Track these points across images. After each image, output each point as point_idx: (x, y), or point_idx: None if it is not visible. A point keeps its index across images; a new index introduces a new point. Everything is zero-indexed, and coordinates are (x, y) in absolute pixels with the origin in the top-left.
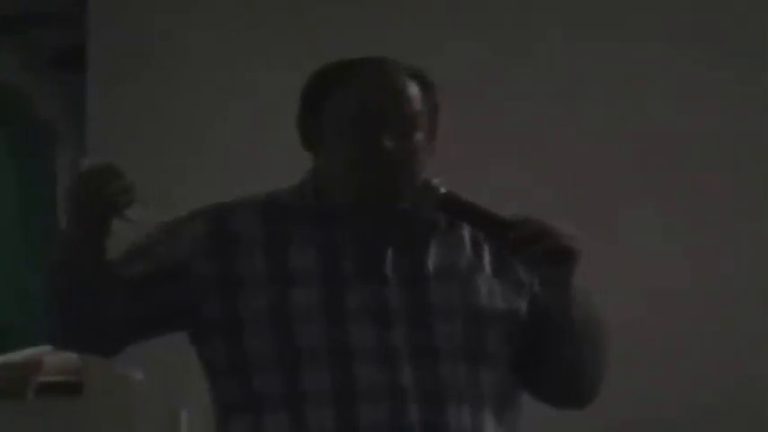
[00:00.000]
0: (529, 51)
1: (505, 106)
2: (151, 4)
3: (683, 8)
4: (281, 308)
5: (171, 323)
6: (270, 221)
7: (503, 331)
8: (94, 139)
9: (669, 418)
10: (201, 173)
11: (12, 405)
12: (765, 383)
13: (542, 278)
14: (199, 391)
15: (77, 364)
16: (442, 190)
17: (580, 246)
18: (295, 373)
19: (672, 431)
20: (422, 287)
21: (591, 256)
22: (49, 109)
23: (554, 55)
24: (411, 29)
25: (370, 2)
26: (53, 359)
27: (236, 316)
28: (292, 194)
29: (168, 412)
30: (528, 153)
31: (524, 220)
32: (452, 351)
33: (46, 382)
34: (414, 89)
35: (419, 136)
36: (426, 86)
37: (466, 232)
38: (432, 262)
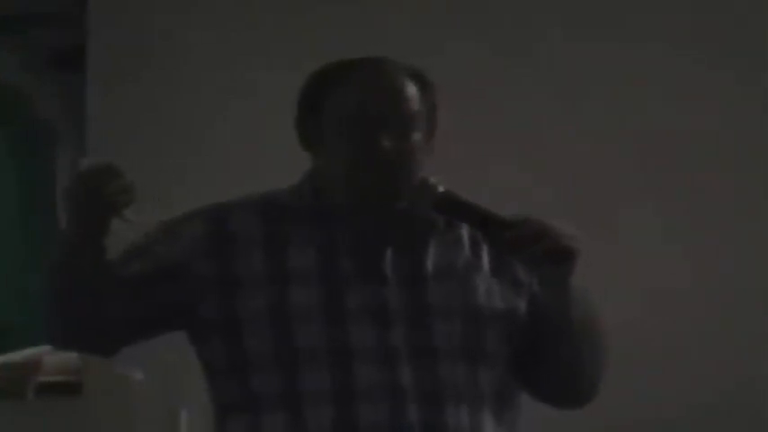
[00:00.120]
0: (529, 51)
1: (505, 106)
2: (151, 4)
3: (683, 8)
4: (279, 308)
5: (170, 323)
6: (268, 221)
7: (501, 331)
8: (94, 139)
9: (669, 418)
10: (201, 173)
11: (11, 405)
12: (765, 383)
13: (541, 278)
14: (198, 390)
15: (77, 364)
16: (441, 189)
17: (579, 245)
18: (294, 372)
19: (672, 431)
20: (421, 287)
21: (591, 256)
22: (49, 109)
23: (554, 55)
24: (411, 29)
25: (370, 2)
26: (53, 359)
27: (235, 316)
28: (290, 194)
29: (168, 412)
30: (528, 153)
31: (523, 219)
32: (451, 351)
33: (45, 381)
34: (412, 89)
35: (417, 136)
36: (425, 86)
37: (464, 232)
38: (430, 262)
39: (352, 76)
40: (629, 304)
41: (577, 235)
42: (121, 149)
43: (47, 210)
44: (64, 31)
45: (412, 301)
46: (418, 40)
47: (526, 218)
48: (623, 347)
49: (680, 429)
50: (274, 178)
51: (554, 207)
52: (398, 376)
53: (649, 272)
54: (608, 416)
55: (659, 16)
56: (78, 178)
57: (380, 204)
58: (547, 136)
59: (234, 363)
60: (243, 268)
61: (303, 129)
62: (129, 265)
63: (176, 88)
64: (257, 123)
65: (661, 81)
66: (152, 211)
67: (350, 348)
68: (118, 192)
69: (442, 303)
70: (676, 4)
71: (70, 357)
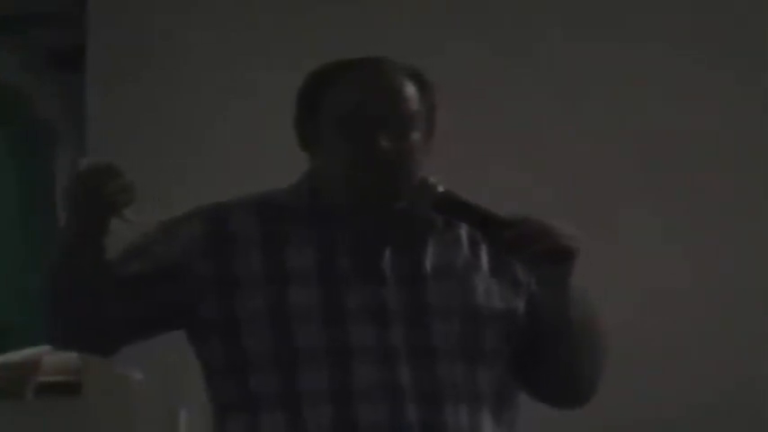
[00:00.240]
0: (529, 51)
1: (505, 106)
2: (151, 4)
3: (683, 8)
4: (278, 308)
5: (169, 323)
6: (267, 221)
7: (500, 330)
8: (94, 139)
9: (669, 418)
10: (201, 173)
11: (11, 405)
12: (765, 383)
13: (540, 278)
14: (198, 390)
15: (76, 363)
16: (440, 189)
17: (578, 245)
18: (293, 372)
19: (672, 431)
20: (420, 287)
21: (591, 256)
22: (49, 109)
23: (554, 55)
24: (411, 29)
25: (370, 2)
26: (52, 359)
27: (234, 316)
28: (288, 194)
29: (167, 412)
30: (528, 153)
31: (522, 219)
32: (450, 350)
33: (45, 381)
34: (411, 89)
35: (416, 135)
36: (424, 86)
37: (463, 231)
38: (429, 261)
39: (350, 75)
40: (629, 304)
41: (577, 235)
42: (121, 149)
43: (47, 210)
44: (64, 31)
45: (411, 301)
46: (418, 40)
47: (525, 218)
48: (623, 347)
49: (680, 429)
50: (274, 178)
51: (554, 207)
52: (397, 376)
53: (649, 272)
54: (608, 416)
55: (659, 16)
56: (78, 178)
57: (380, 204)
58: (547, 136)
59: (233, 363)
60: (242, 268)
61: (301, 129)
62: (128, 265)
63: (176, 88)
64: (257, 123)
65: (661, 81)
66: (152, 211)
67: (349, 348)
68: (117, 191)
69: (441, 303)
70: (676, 4)
71: (69, 357)
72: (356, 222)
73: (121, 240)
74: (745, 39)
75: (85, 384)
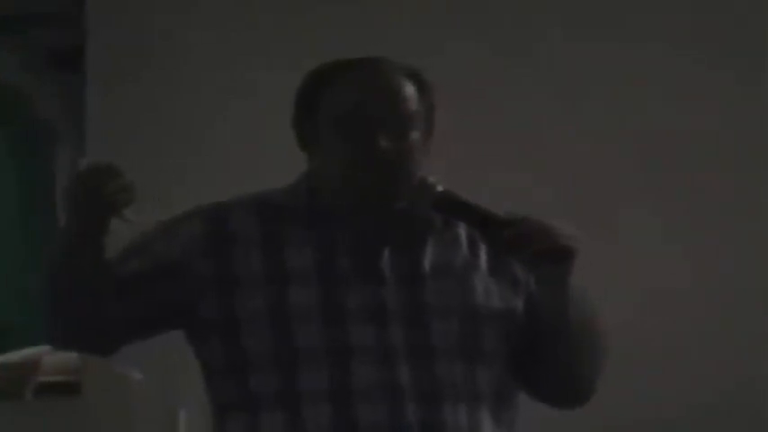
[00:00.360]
0: (529, 51)
1: (505, 106)
2: (151, 4)
3: (683, 8)
4: (278, 308)
5: (168, 322)
6: (266, 221)
7: (499, 330)
8: (94, 139)
9: (669, 418)
10: (201, 173)
11: (10, 405)
12: (765, 383)
13: (539, 277)
14: (197, 390)
15: (76, 364)
16: (439, 188)
17: (577, 245)
18: (292, 372)
19: (672, 431)
20: (418, 286)
21: (591, 256)
22: (49, 109)
23: (554, 55)
24: (411, 29)
25: (370, 2)
26: (51, 359)
27: (233, 316)
28: (285, 195)
29: (166, 412)
30: (528, 153)
31: (521, 219)
32: (449, 350)
33: (44, 382)
34: (410, 89)
35: (415, 135)
36: (423, 86)
37: (462, 231)
38: (428, 261)
39: (349, 75)
40: (629, 304)
41: (576, 234)
42: (121, 149)
43: (47, 210)
44: (64, 31)
45: (410, 301)
46: (418, 40)
47: (524, 217)
48: (623, 347)
49: (680, 429)
50: (274, 178)
51: (554, 207)
52: (397, 375)
53: (649, 272)
54: (608, 416)
55: (659, 16)
56: (78, 178)
57: (379, 204)
58: (547, 136)
59: (233, 362)
60: (242, 268)
61: (300, 129)
62: (127, 264)
63: (176, 88)
64: (257, 123)
65: (661, 81)
66: (152, 211)
67: (348, 348)
68: (117, 191)
69: (440, 303)
70: (676, 4)
71: (69, 357)
72: (355, 222)
73: (121, 240)
74: (745, 39)
75: (85, 384)
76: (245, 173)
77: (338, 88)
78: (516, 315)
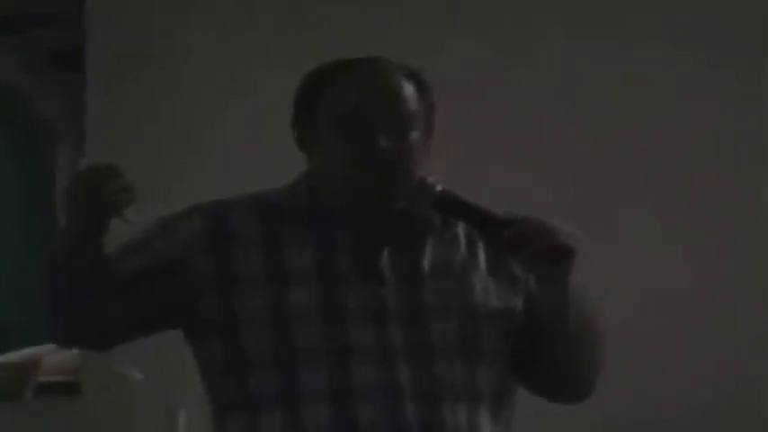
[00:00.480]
0: (529, 51)
1: (505, 106)
2: (151, 4)
3: (683, 8)
4: (278, 307)
5: (168, 320)
6: (266, 221)
7: (498, 329)
8: (94, 139)
9: (669, 418)
10: (201, 173)
11: (10, 405)
12: (765, 383)
13: (539, 277)
14: (197, 390)
15: (75, 363)
16: (438, 188)
17: (577, 244)
18: (292, 372)
19: (672, 431)
20: (418, 286)
21: (591, 256)
22: (49, 109)
23: (554, 55)
24: (411, 29)
25: (370, 2)
26: (51, 359)
27: (233, 315)
28: (284, 195)
29: (166, 412)
30: (528, 153)
31: (521, 218)
32: (448, 350)
33: (44, 382)
34: (409, 89)
35: (415, 135)
36: (422, 86)
37: (461, 230)
38: (427, 261)
39: (348, 75)
40: (629, 304)
41: (575, 233)
42: (121, 149)
43: (47, 210)
44: (64, 31)
45: (409, 301)
46: (418, 40)
47: (524, 217)
48: (623, 347)
49: (680, 429)
50: (274, 178)
51: (554, 207)
52: (397, 375)
53: (649, 272)
54: (608, 416)
55: (659, 16)
56: (77, 178)
57: (379, 204)
58: (547, 136)
59: (232, 362)
60: (241, 267)
61: (299, 129)
62: (127, 262)
63: (176, 88)
64: (257, 123)
65: (661, 81)
66: (152, 211)
67: (348, 348)
68: (117, 191)
69: (439, 302)
70: (676, 4)
71: (69, 357)
72: (355, 222)
73: (121, 240)
74: (745, 39)
75: (85, 384)
76: (245, 173)
77: (338, 88)
78: (515, 314)
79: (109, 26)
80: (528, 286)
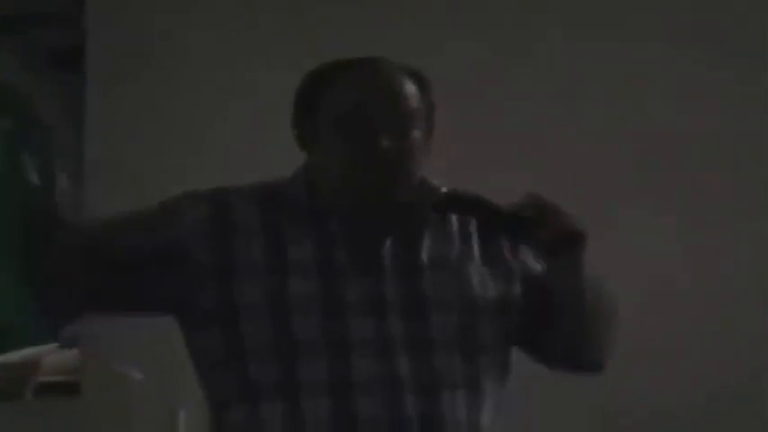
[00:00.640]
0: (529, 51)
1: (505, 106)
2: (151, 4)
3: (683, 8)
4: (278, 298)
5: (167, 304)
6: (267, 212)
7: (496, 320)
8: (94, 139)
9: (669, 417)
10: (201, 173)
11: (10, 405)
12: (765, 383)
13: (553, 264)
14: (197, 390)
15: (75, 364)
16: (443, 190)
17: (585, 228)
18: (292, 363)
19: (672, 431)
20: (417, 278)
21: (591, 255)
22: (49, 109)
23: (554, 55)
24: (411, 29)
25: (370, 2)
26: (51, 359)
27: (233, 303)
28: (283, 187)
29: (166, 412)
30: (528, 153)
31: (533, 203)
32: (447, 341)
33: (44, 382)
34: (410, 88)
35: (416, 135)
36: (423, 86)
37: (454, 222)
38: (425, 253)
39: (349, 75)
40: (629, 304)
41: (580, 218)
42: (121, 149)
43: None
44: (64, 31)
45: (408, 293)
46: (418, 40)
47: (534, 199)
48: (623, 347)
49: (680, 428)
50: (274, 178)
51: None
52: (396, 367)
53: (649, 272)
54: (608, 414)
55: (659, 16)
56: None
57: (379, 205)
58: (547, 136)
59: (232, 351)
60: (242, 256)
61: (299, 129)
62: (129, 243)
63: (176, 88)
64: (257, 123)
65: (661, 81)
66: None
67: (348, 340)
68: None
69: (438, 294)
70: (676, 4)
71: (69, 357)
72: (356, 216)
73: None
74: (745, 39)
75: (85, 384)
76: (245, 173)
77: (338, 88)
78: (512, 302)
79: (109, 26)
80: (524, 270)
